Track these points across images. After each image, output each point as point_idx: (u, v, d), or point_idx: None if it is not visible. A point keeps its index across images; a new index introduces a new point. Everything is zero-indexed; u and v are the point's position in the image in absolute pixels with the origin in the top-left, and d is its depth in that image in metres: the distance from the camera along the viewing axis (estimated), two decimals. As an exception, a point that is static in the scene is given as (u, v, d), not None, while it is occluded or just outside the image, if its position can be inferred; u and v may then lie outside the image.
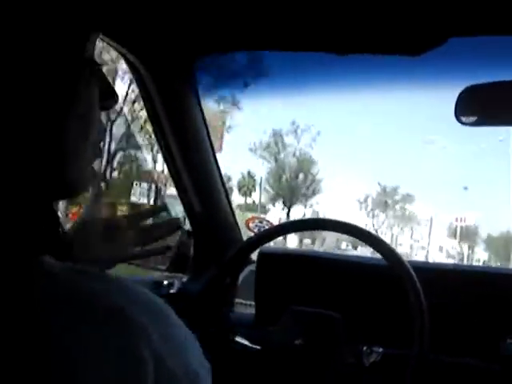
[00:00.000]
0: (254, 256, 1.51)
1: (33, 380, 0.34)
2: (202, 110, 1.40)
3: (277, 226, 1.42)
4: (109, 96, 0.49)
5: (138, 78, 1.29)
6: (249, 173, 25.36)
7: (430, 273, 1.25)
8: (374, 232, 1.34)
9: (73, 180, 0.45)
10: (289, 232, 1.40)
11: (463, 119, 1.02)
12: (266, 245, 1.40)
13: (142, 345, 0.37)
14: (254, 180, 24.98)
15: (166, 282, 1.50)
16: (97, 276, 0.41)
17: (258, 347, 1.25)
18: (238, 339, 1.29)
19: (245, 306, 1.56)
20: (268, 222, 2.11)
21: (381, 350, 1.22)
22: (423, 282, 1.10)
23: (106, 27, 1.04)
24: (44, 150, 0.41)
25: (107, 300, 0.38)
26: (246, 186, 25.02)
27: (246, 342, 1.28)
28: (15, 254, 0.38)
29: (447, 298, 1.22)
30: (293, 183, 24.14)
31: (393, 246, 1.23)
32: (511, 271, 1.41)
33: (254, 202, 25.01)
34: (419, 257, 22.50)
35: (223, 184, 1.56)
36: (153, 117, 1.37)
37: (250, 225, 1.68)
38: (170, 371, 0.38)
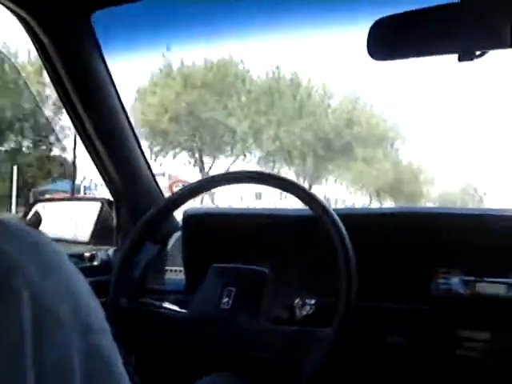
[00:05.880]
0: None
1: None
2: (108, 69, 1.30)
3: (196, 182, 1.29)
4: None
5: (36, 40, 1.18)
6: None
7: (357, 218, 1.23)
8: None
9: None
10: (209, 188, 1.32)
11: (376, 55, 0.98)
12: (193, 205, 1.33)
13: (13, 273, 0.34)
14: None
15: (87, 255, 1.41)
16: None
17: (185, 311, 1.20)
18: (166, 305, 1.24)
19: (176, 273, 1.51)
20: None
21: (313, 301, 1.20)
22: (350, 228, 1.07)
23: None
24: None
25: None
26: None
27: (174, 308, 1.23)
28: None
29: (376, 242, 1.20)
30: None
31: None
32: (437, 210, 1.40)
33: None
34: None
35: (140, 147, 1.47)
36: (56, 81, 1.26)
37: (174, 189, 1.59)
38: (50, 311, 0.34)
